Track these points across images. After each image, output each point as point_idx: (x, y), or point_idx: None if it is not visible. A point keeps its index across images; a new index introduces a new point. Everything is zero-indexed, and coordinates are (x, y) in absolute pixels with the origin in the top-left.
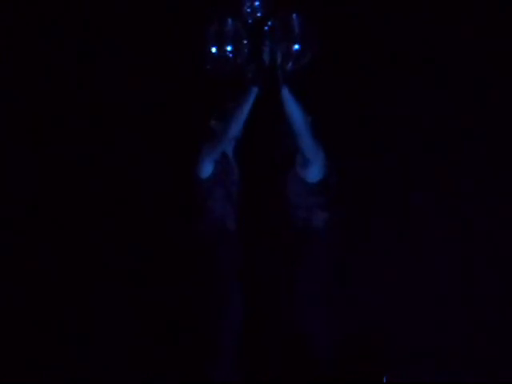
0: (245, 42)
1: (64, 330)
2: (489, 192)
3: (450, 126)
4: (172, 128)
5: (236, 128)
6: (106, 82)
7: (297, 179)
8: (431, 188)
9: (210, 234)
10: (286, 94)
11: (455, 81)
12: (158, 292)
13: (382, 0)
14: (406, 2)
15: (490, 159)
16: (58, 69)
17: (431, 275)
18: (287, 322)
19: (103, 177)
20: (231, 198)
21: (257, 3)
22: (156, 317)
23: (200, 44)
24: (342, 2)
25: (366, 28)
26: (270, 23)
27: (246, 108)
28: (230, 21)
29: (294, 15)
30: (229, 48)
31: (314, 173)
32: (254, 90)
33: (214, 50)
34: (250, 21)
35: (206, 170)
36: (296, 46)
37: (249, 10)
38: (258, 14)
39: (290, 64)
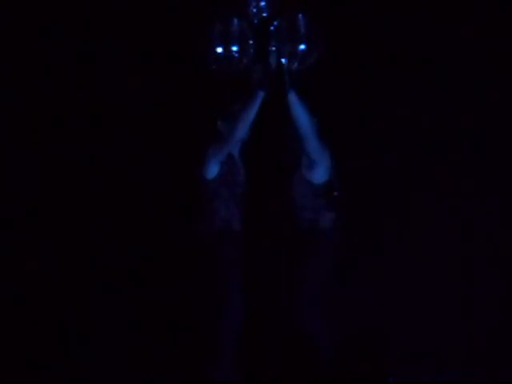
0: (250, 42)
1: (64, 329)
2: (489, 192)
3: (450, 126)
4: (173, 128)
5: (243, 130)
6: (105, 82)
7: (302, 181)
8: (431, 188)
9: (211, 234)
10: (292, 97)
11: (455, 81)
12: (159, 292)
13: (382, 0)
14: (406, 2)
15: (489, 159)
16: (58, 69)
17: (431, 275)
18: (288, 321)
19: (103, 177)
20: (236, 199)
21: (263, 3)
22: (156, 317)
23: (203, 44)
24: (342, 2)
25: (366, 28)
26: (275, 23)
27: (253, 111)
28: (235, 21)
29: (300, 15)
30: (234, 48)
31: (319, 174)
32: (261, 94)
33: (219, 49)
34: (255, 21)
35: (212, 170)
36: (302, 46)
37: (255, 10)
38: (264, 14)
39: (295, 64)
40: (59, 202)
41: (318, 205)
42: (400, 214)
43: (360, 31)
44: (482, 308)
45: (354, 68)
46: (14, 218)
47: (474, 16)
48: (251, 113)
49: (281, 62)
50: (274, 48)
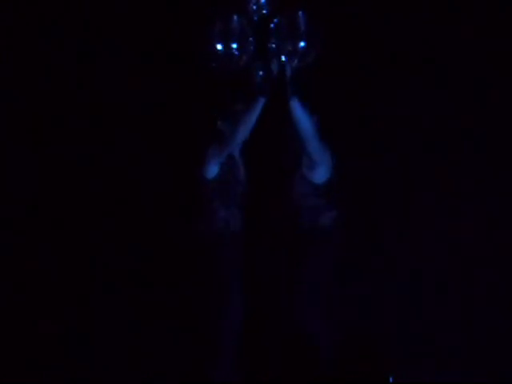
0: (250, 39)
1: (64, 329)
2: (489, 192)
3: (450, 126)
4: (173, 128)
5: (243, 134)
6: (105, 81)
7: (303, 180)
8: (431, 188)
9: (211, 234)
10: (294, 104)
11: (455, 81)
12: (158, 292)
13: (382, 0)
14: (406, 2)
15: (490, 159)
16: (58, 69)
17: (431, 275)
18: (288, 321)
19: (103, 177)
20: (236, 199)
21: (262, 0)
22: (156, 317)
23: (203, 42)
24: (342, 1)
25: (366, 28)
26: (275, 20)
27: (254, 116)
28: (235, 18)
29: (300, 13)
30: (234, 45)
31: (320, 174)
32: (262, 100)
33: (219, 47)
34: (255, 18)
35: (212, 171)
36: (302, 44)
37: (254, 8)
38: (264, 12)
39: (295, 61)
40: (59, 201)
41: (318, 204)
42: (400, 214)
43: (360, 31)
44: (482, 308)
45: (354, 68)
46: (14, 217)
47: (474, 16)
48: (252, 117)
49: (283, 69)
50: (275, 55)
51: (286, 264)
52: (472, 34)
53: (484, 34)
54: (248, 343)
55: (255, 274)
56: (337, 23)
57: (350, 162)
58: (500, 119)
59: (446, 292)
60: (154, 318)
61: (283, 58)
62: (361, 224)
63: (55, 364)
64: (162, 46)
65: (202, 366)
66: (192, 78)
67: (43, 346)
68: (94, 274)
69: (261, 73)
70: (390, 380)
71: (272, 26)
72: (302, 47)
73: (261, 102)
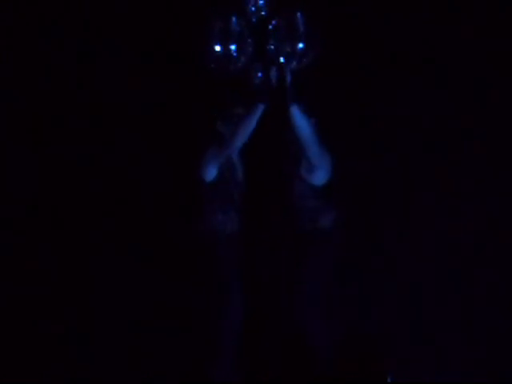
0: (249, 40)
1: (64, 329)
2: (489, 192)
3: (450, 126)
4: (172, 128)
5: (243, 137)
6: (105, 81)
7: (303, 182)
8: (431, 188)
9: (210, 234)
10: (294, 111)
11: (455, 81)
12: (158, 292)
13: (382, 0)
14: (406, 2)
15: (489, 159)
16: (58, 69)
17: (431, 275)
18: (288, 321)
19: (103, 177)
20: (235, 200)
21: (261, 2)
22: (156, 317)
23: (202, 43)
24: (341, 2)
25: (366, 28)
26: (274, 22)
27: (253, 121)
28: (234, 19)
29: (299, 14)
30: (233, 47)
31: (319, 177)
32: (261, 107)
33: (218, 48)
34: (254, 19)
35: (211, 173)
36: (300, 45)
37: (253, 9)
38: (263, 13)
39: (294, 63)
40: (59, 201)
41: (318, 205)
42: (400, 214)
43: (360, 31)
44: (482, 308)
45: (354, 68)
46: (14, 217)
47: (474, 16)
48: (252, 121)
49: (283, 78)
50: (273, 57)
51: (286, 264)
52: (472, 34)
53: (484, 33)
54: (248, 343)
55: (255, 274)
56: (336, 23)
57: (349, 162)
58: (500, 119)
59: (445, 292)
60: (153, 318)
61: (282, 60)
62: (361, 224)
63: (55, 364)
64: (162, 46)
65: (202, 366)
66: (192, 78)
67: (43, 346)
68: (94, 274)
69: (259, 74)
70: (389, 380)
71: (270, 27)
72: (301, 48)
73: (260, 109)
